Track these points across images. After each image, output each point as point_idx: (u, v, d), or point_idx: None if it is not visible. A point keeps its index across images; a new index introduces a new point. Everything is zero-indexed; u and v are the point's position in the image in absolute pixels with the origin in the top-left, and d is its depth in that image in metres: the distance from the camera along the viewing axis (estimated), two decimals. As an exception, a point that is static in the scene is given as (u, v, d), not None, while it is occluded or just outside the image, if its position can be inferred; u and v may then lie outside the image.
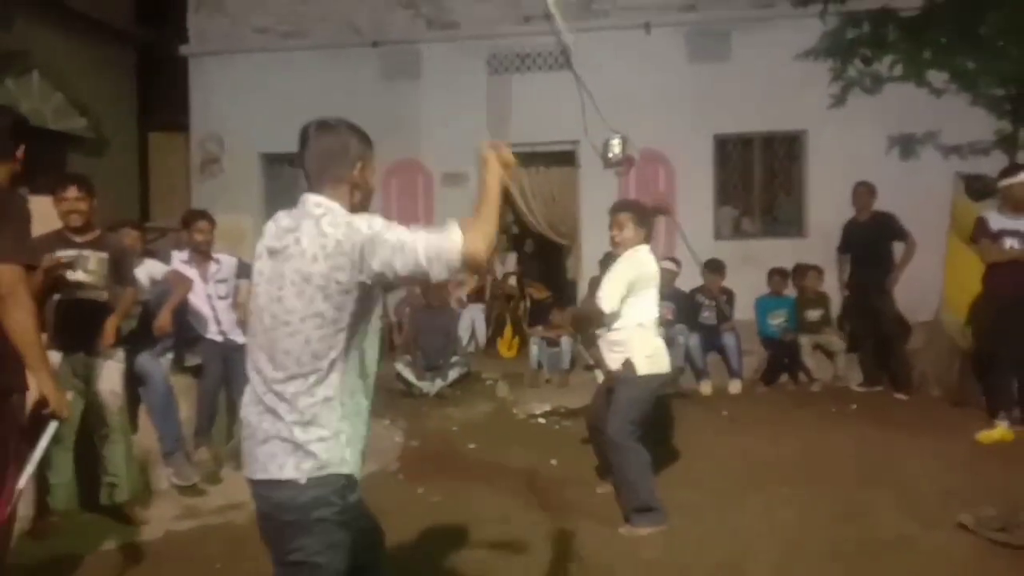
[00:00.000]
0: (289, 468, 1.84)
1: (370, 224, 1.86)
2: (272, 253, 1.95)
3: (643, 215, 4.06)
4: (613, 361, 3.97)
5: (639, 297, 3.93)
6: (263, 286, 1.95)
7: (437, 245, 1.81)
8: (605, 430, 3.91)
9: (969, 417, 5.52)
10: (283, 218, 2.00)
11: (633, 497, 3.83)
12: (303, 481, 1.84)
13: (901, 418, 5.81)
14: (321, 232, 1.86)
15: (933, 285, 6.46)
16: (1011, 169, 5.50)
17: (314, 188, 1.98)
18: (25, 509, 3.41)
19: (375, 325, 2.01)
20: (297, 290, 1.86)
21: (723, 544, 3.58)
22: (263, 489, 1.89)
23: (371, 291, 1.90)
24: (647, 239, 4.05)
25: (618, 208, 4.11)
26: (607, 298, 3.89)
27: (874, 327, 6.78)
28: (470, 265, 1.84)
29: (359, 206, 2.01)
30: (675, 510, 3.98)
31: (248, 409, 1.95)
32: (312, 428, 1.85)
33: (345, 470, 1.88)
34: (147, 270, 4.69)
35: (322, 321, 1.85)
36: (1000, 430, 5.13)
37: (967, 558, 3.34)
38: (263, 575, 3.28)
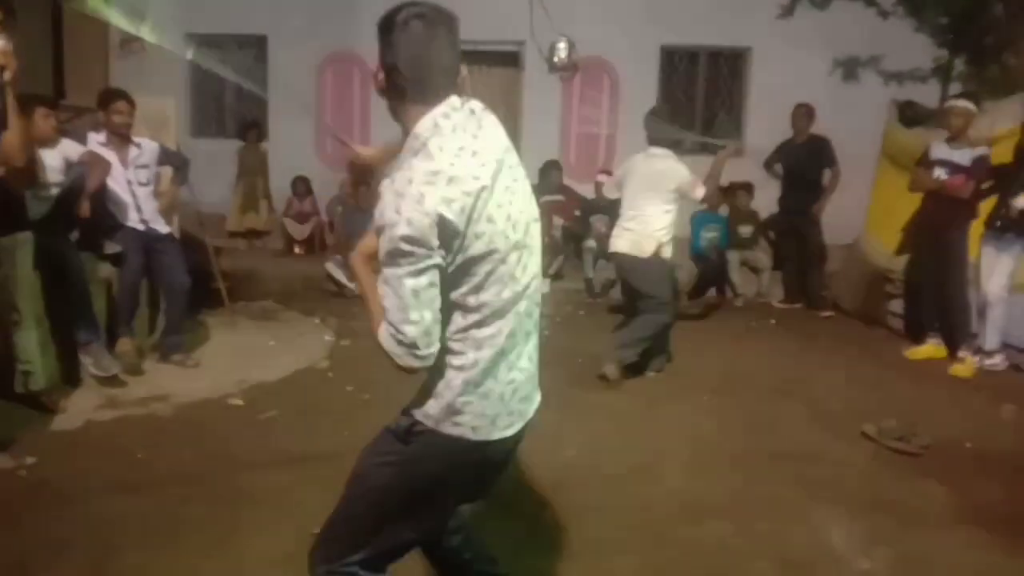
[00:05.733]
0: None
1: None
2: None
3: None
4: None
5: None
6: None
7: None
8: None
9: (879, 336, 5.81)
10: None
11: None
12: None
13: (816, 335, 6.07)
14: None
15: (862, 209, 6.65)
16: (959, 95, 5.54)
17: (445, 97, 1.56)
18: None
19: None
20: None
21: (640, 448, 3.73)
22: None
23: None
24: None
25: None
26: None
27: (798, 249, 6.99)
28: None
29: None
30: (599, 415, 4.12)
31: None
32: None
33: None
34: (62, 151, 4.40)
35: None
36: (930, 347, 5.37)
37: (867, 465, 3.57)
38: (185, 464, 3.30)
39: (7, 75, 2.87)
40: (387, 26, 1.56)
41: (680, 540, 2.83)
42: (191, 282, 4.78)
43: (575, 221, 7.95)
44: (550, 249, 7.49)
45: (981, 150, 5.13)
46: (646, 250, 4.66)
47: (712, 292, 7.46)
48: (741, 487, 3.30)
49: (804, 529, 2.94)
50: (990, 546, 2.85)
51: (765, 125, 7.88)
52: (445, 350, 1.57)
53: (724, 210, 7.65)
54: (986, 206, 5.17)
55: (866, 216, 6.58)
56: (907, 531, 2.93)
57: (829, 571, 2.66)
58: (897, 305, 6.16)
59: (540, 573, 2.57)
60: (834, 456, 3.66)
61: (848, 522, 2.99)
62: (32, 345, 3.74)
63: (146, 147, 4.80)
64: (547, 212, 7.73)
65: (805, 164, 6.89)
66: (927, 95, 7.51)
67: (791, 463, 3.56)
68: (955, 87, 7.59)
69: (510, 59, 8.86)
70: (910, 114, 6.50)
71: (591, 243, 7.40)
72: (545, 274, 7.35)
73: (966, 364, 5.09)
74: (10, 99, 2.93)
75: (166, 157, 4.98)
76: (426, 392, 1.63)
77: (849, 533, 2.90)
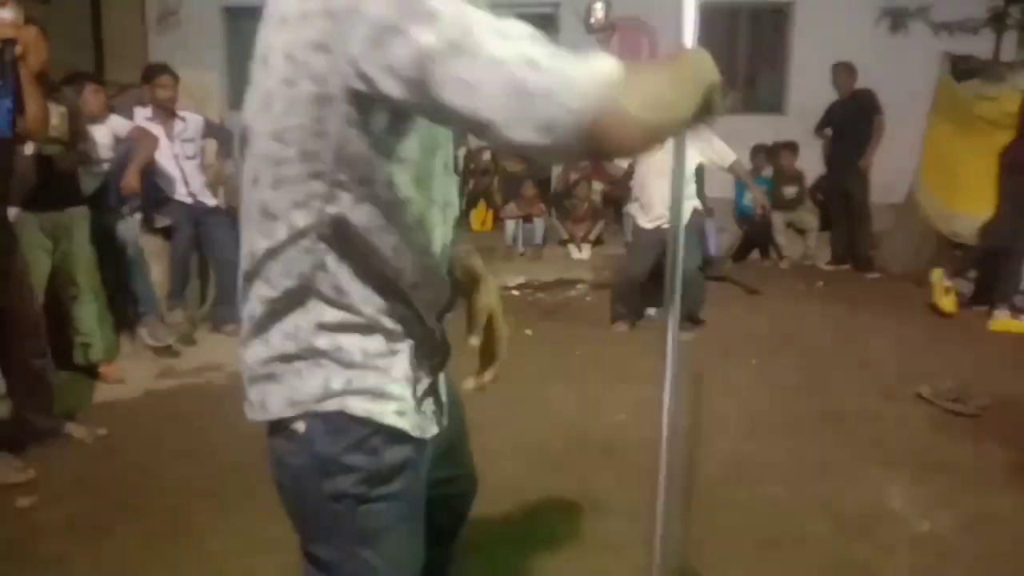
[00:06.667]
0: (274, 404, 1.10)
1: None
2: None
3: None
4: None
5: None
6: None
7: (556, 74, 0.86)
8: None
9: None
10: None
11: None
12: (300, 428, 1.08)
13: (866, 296, 5.96)
14: None
15: (911, 167, 6.47)
16: None
17: None
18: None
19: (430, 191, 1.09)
20: (260, 84, 1.03)
21: (690, 411, 3.71)
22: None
23: (389, 116, 0.96)
24: None
25: None
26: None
27: (846, 207, 6.85)
28: (598, 137, 0.87)
29: None
30: (648, 381, 4.11)
31: None
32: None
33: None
34: (111, 127, 4.47)
35: (281, 146, 0.99)
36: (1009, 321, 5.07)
37: (924, 427, 3.51)
38: (243, 434, 3.37)
39: (18, 49, 2.76)
40: None
41: (735, 502, 2.82)
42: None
43: (615, 185, 7.86)
44: (590, 214, 7.44)
45: None
46: None
47: (756, 254, 7.36)
48: (795, 449, 3.27)
49: (861, 491, 2.91)
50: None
51: (810, 82, 7.68)
52: None
53: (768, 171, 7.51)
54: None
55: (918, 174, 6.40)
56: (967, 492, 2.89)
57: (889, 533, 2.64)
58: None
59: (593, 534, 2.59)
60: (889, 418, 3.60)
61: (906, 483, 2.95)
62: (91, 318, 3.84)
63: (191, 120, 4.86)
64: (586, 177, 7.67)
65: (851, 119, 6.74)
66: (978, 47, 7.22)
67: (845, 425, 3.52)
68: (1010, 37, 7.29)
69: (545, 21, 8.72)
70: (964, 67, 6.26)
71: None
72: (585, 239, 7.33)
73: (1011, 320, 4.98)
74: (24, 74, 2.85)
75: (210, 130, 5.04)
76: None
77: (908, 494, 2.87)
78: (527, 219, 7.50)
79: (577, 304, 5.97)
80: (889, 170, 6.69)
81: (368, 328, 1.06)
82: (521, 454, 3.18)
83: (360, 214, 1.01)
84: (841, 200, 6.89)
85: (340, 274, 1.04)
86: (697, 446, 3.32)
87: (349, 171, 0.98)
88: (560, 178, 8.25)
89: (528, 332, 5.03)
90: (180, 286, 4.70)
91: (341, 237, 1.01)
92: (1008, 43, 7.23)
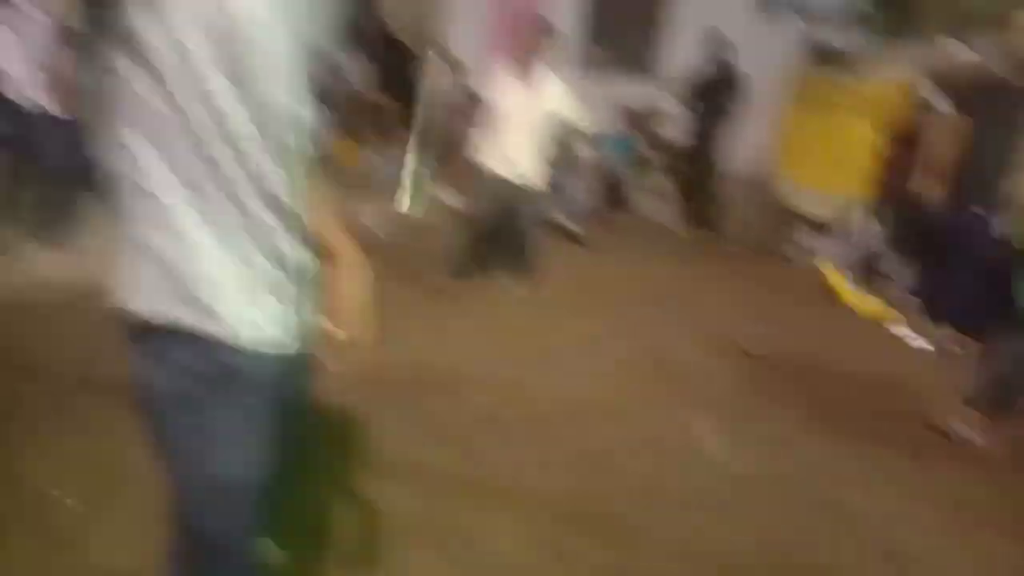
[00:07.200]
0: None
1: None
2: None
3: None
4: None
5: None
6: None
7: None
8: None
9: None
10: None
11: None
12: None
13: (716, 263, 6.22)
14: None
15: (768, 143, 6.76)
16: None
17: None
18: None
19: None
20: None
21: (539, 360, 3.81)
22: None
23: None
24: None
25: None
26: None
27: (703, 176, 7.09)
28: None
29: None
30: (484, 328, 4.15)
31: None
32: None
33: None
34: None
35: None
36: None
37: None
38: (69, 354, 3.09)
39: None
40: None
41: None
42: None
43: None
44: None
45: None
46: None
47: (610, 212, 7.53)
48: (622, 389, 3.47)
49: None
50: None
51: (681, 52, 7.84)
52: None
53: (631, 133, 7.68)
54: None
55: (773, 152, 6.71)
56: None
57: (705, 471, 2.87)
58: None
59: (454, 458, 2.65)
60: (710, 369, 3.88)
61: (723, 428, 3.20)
62: None
63: None
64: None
65: (717, 91, 6.92)
66: (841, 36, 7.56)
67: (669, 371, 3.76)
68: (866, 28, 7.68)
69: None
70: (824, 55, 6.59)
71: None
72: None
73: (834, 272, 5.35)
74: None
75: None
76: None
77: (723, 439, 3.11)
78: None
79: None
80: (746, 146, 7.00)
81: (171, 216, 1.05)
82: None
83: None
84: (698, 168, 7.12)
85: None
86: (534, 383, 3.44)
87: None
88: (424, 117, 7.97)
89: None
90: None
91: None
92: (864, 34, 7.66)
